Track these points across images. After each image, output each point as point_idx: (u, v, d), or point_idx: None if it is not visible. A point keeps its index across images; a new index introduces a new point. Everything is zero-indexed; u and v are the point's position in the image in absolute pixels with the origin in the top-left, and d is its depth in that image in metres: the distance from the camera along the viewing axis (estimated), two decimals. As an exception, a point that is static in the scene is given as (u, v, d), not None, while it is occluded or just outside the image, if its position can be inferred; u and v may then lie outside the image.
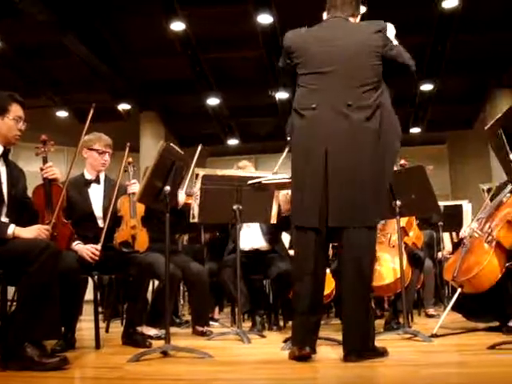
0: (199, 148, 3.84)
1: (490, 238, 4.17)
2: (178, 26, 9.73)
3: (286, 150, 4.22)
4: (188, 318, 5.53)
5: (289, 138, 3.35)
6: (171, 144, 3.52)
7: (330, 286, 5.27)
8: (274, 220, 4.67)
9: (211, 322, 5.32)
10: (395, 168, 4.62)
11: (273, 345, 3.86)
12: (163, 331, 3.71)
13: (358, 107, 3.14)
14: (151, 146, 12.81)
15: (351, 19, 3.36)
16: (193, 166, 4.51)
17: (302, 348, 3.05)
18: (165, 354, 3.34)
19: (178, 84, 12.20)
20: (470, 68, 11.73)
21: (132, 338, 3.92)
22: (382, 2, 8.99)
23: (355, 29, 3.34)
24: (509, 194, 4.33)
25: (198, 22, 9.78)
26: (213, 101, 12.87)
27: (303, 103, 3.23)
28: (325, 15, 3.41)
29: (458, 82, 12.53)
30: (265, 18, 9.50)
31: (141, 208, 4.25)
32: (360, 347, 3.05)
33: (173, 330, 4.70)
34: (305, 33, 3.35)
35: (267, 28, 9.81)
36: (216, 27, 10.09)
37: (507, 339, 3.49)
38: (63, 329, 3.54)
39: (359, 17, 3.42)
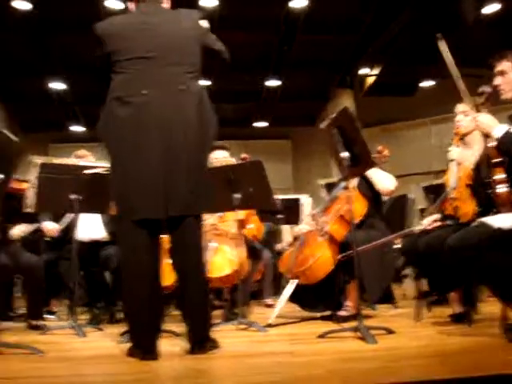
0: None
1: (324, 231, 4.37)
2: (22, 4, 9.15)
3: None
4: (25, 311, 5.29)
5: (99, 130, 3.23)
6: (2, 130, 3.33)
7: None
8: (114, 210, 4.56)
9: (48, 316, 5.14)
10: (235, 161, 4.73)
11: (109, 338, 3.77)
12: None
13: (189, 93, 3.10)
14: (-11, 130, 11.99)
15: (164, 4, 3.29)
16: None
17: (146, 354, 2.93)
18: (-10, 350, 3.15)
19: (20, 65, 11.53)
20: (314, 67, 12.15)
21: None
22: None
23: (176, 15, 3.26)
24: (342, 190, 4.54)
25: (45, 2, 9.28)
26: (57, 85, 12.32)
27: (129, 90, 3.09)
28: (131, 4, 3.29)
29: (302, 80, 12.95)
30: (113, 3, 9.25)
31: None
32: (205, 338, 3.06)
33: (5, 324, 4.47)
34: (121, 20, 3.24)
35: (117, 13, 9.52)
36: (64, 9, 9.64)
37: (334, 328, 3.69)
38: None
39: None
